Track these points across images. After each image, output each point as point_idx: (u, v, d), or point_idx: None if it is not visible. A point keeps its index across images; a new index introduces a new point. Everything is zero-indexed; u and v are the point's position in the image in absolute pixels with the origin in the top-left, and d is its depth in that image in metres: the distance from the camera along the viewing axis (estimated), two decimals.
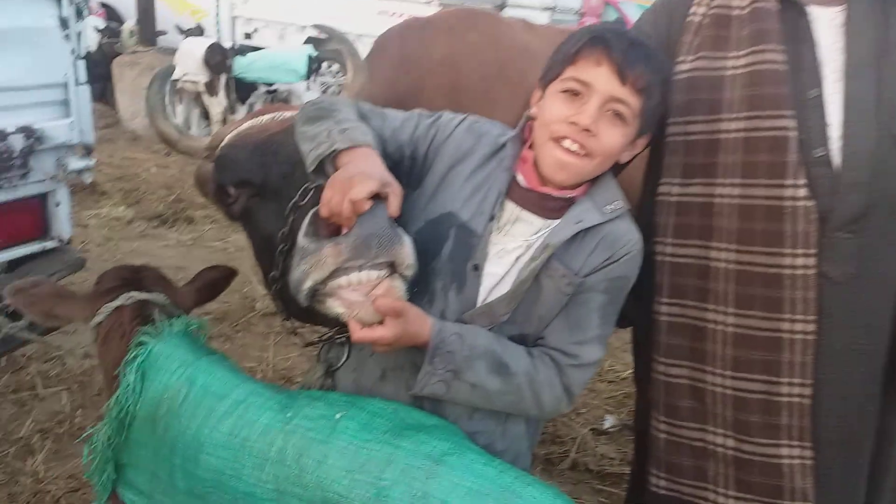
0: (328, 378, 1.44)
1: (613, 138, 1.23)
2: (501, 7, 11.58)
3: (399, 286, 1.17)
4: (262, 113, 1.59)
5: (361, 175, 1.12)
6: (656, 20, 1.49)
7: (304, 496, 1.19)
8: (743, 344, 1.35)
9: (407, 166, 1.37)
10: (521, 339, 1.30)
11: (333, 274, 1.12)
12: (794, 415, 1.33)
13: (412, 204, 1.33)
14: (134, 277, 1.60)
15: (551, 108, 1.24)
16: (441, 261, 1.30)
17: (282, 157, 1.46)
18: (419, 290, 1.30)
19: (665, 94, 1.29)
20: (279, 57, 7.26)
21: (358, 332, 1.15)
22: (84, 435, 1.50)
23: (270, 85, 7.27)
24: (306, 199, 1.37)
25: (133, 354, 1.44)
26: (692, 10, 1.41)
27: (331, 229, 1.16)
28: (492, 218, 1.28)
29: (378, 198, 1.12)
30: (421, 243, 1.23)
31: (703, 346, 1.40)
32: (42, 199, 2.30)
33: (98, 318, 1.52)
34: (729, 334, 1.36)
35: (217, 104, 7.01)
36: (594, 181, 1.30)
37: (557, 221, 1.28)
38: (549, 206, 1.29)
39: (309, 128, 1.27)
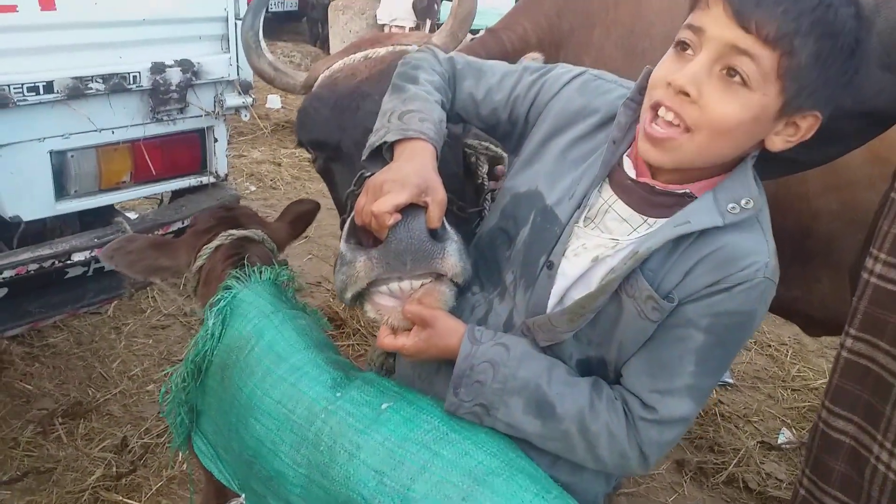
0: (389, 357, 1.29)
1: (725, 106, 0.87)
2: None
3: (445, 292, 1.03)
4: (356, 48, 1.45)
5: (393, 183, 0.97)
6: None
7: (330, 490, 1.06)
8: None
9: (505, 130, 1.16)
10: (601, 364, 1.04)
11: (372, 284, 1.02)
12: None
13: (510, 175, 1.15)
14: (229, 216, 1.57)
15: (658, 67, 0.93)
16: (515, 249, 1.09)
17: (359, 118, 1.33)
18: (493, 281, 1.12)
19: (834, 45, 0.85)
20: (488, 1, 7.10)
21: (382, 339, 1.04)
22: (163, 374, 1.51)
23: (476, 32, 7.17)
24: (360, 188, 1.16)
25: (218, 297, 1.41)
26: None
27: (371, 235, 1.02)
28: (581, 205, 1.02)
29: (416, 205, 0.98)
30: (501, 222, 1.09)
31: (883, 406, 1.03)
32: (200, 134, 2.36)
33: (199, 262, 1.49)
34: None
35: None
36: (727, 172, 0.96)
37: (662, 222, 0.97)
38: (655, 200, 0.98)
39: (386, 99, 1.14)
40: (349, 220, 1.05)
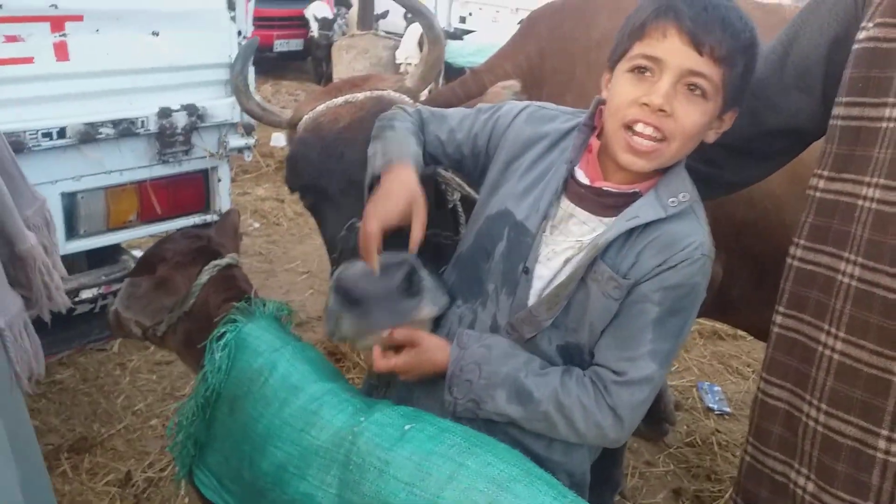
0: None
1: (693, 117, 1.07)
2: None
3: (425, 324, 1.22)
4: (338, 90, 1.55)
5: (382, 198, 1.18)
6: None
7: None
8: (845, 377, 1.09)
9: (470, 165, 1.33)
10: (577, 350, 1.20)
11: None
12: (887, 477, 1.04)
13: (480, 201, 1.31)
14: (205, 244, 1.60)
15: (620, 91, 1.10)
16: (494, 262, 1.24)
17: (343, 164, 1.44)
18: (475, 292, 1.27)
19: (751, 60, 1.10)
20: (488, 40, 7.27)
21: (377, 362, 1.17)
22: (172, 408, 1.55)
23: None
24: (350, 234, 1.35)
25: (222, 331, 1.46)
26: None
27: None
28: (546, 216, 1.19)
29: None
30: (478, 241, 1.26)
31: (809, 370, 1.14)
32: (204, 174, 2.45)
33: (192, 300, 1.54)
34: (834, 362, 1.10)
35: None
36: (664, 171, 1.15)
37: (615, 219, 1.15)
38: (606, 202, 1.16)
39: (370, 148, 1.32)
40: (336, 272, 1.20)
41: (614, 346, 1.15)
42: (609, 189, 1.15)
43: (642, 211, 1.12)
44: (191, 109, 2.28)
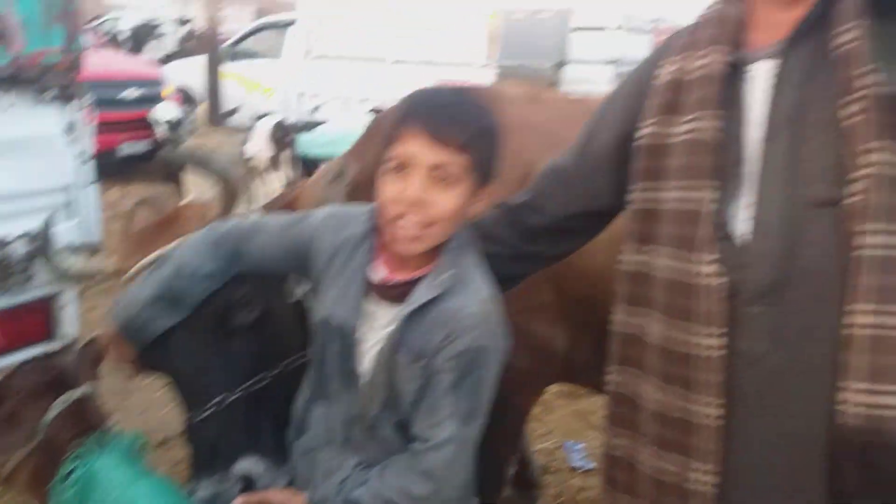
0: None
1: (449, 201, 1.24)
2: (561, 65, 11.64)
3: None
4: (150, 242, 1.63)
5: None
6: (629, 87, 1.45)
7: None
8: (662, 422, 1.27)
9: (300, 272, 1.47)
10: (405, 425, 1.32)
11: None
12: None
13: (315, 308, 1.42)
14: (58, 374, 1.59)
15: (384, 190, 1.25)
16: (330, 365, 1.36)
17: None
18: (319, 393, 1.40)
19: (491, 142, 1.29)
20: (340, 130, 7.47)
21: None
22: None
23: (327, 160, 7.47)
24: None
25: (70, 468, 1.42)
26: (656, 72, 1.34)
27: None
28: (358, 317, 1.32)
29: None
30: (318, 345, 1.37)
31: (638, 419, 1.32)
32: (48, 301, 2.36)
33: (39, 437, 1.50)
34: (653, 410, 1.29)
35: (277, 179, 7.25)
36: (441, 253, 1.30)
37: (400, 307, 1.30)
38: (395, 293, 1.30)
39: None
40: None
41: (421, 418, 1.29)
42: (396, 281, 1.30)
43: (418, 295, 1.27)
44: (30, 237, 2.22)
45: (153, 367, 1.53)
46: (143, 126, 9.62)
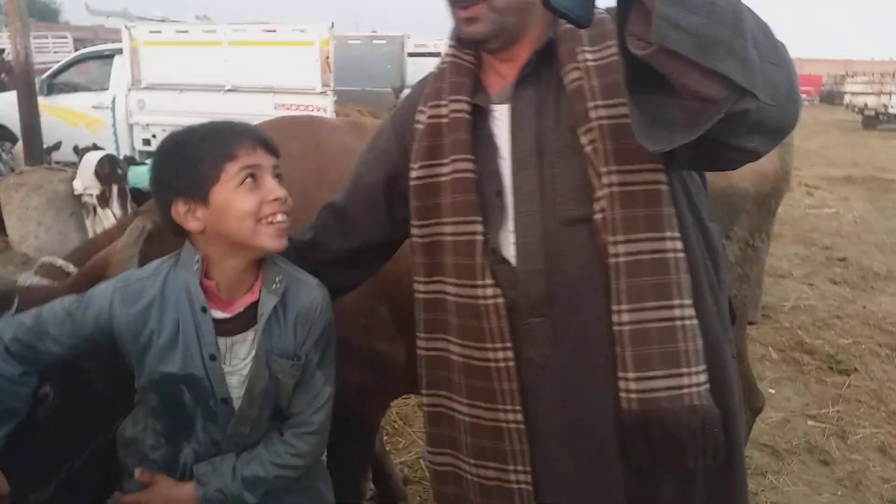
0: None
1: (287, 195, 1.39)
2: (401, 89, 11.97)
3: None
4: None
5: None
6: (391, 129, 1.58)
7: None
8: (476, 433, 1.41)
9: (103, 361, 1.50)
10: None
11: None
12: (523, 502, 1.37)
13: (141, 373, 1.41)
14: None
15: (243, 200, 1.33)
16: (188, 408, 1.41)
17: None
18: (180, 438, 1.44)
19: None
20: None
21: None
22: None
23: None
24: None
25: None
26: (417, 116, 1.49)
27: None
28: (213, 358, 1.37)
29: None
30: (164, 402, 1.42)
31: (456, 434, 1.45)
32: None
33: None
34: (467, 423, 1.42)
35: (109, 216, 6.93)
36: (260, 268, 1.42)
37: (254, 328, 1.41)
38: (245, 318, 1.40)
39: None
40: None
41: (300, 395, 1.46)
42: (238, 311, 1.39)
43: (264, 307, 1.39)
44: None
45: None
46: None
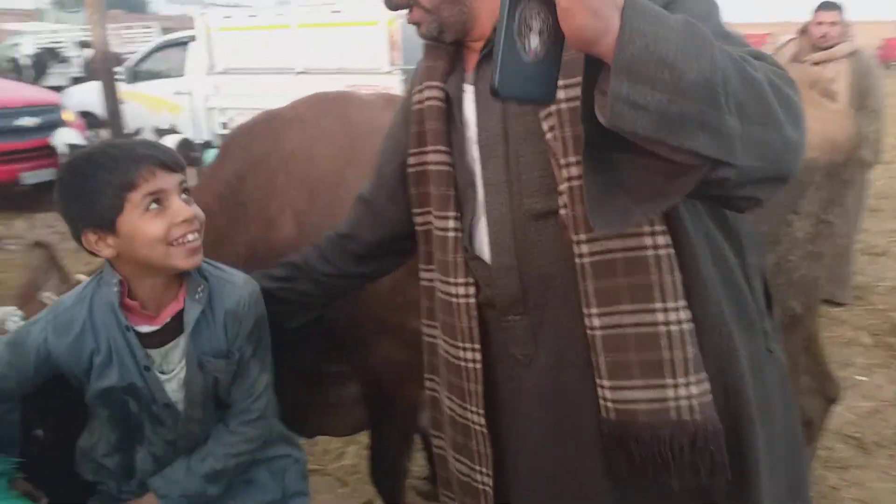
0: None
1: (198, 211, 1.40)
2: None
3: None
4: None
5: None
6: (400, 115, 1.52)
7: None
8: (454, 427, 1.37)
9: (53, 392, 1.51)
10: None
11: None
12: (481, 443, 1.33)
13: (91, 387, 1.46)
14: None
15: (150, 227, 1.33)
16: (135, 418, 1.47)
17: None
18: (131, 442, 1.50)
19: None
20: None
21: None
22: None
23: None
24: None
25: None
26: (413, 97, 1.41)
27: None
28: (147, 369, 1.42)
29: None
30: (110, 413, 1.47)
31: (443, 423, 1.42)
32: None
33: None
34: (447, 416, 1.38)
35: None
36: (184, 279, 1.45)
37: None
38: (174, 325, 1.43)
39: None
40: None
41: (238, 386, 1.50)
42: (165, 322, 1.42)
43: (190, 317, 1.42)
44: None
45: None
46: (45, 154, 9.33)
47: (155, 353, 1.43)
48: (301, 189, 2.20)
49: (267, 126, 2.34)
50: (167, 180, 1.34)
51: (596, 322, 1.13)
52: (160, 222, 1.33)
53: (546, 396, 1.25)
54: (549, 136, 1.14)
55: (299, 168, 2.23)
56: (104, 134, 9.82)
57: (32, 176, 9.39)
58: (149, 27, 18.06)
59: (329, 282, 1.64)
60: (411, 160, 1.39)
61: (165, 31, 15.95)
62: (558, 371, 1.23)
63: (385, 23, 8.43)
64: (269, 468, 1.63)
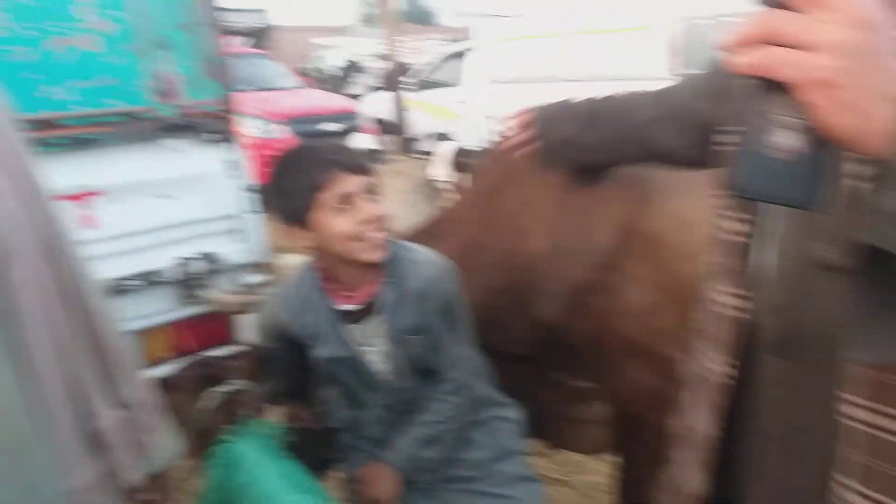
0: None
1: (382, 210, 1.54)
2: None
3: None
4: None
5: None
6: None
7: None
8: None
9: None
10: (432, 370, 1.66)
11: None
12: None
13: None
14: (207, 373, 1.86)
15: (337, 224, 1.50)
16: (352, 385, 1.68)
17: None
18: (353, 405, 1.72)
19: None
20: None
21: None
22: None
23: None
24: None
25: (217, 451, 1.67)
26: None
27: None
28: (350, 343, 1.61)
29: None
30: (331, 377, 1.72)
31: None
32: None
33: (195, 420, 1.75)
34: None
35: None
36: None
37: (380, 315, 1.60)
38: (370, 307, 1.59)
39: None
40: None
41: (440, 358, 1.63)
42: (365, 301, 1.59)
43: (384, 297, 1.57)
44: (208, 257, 2.60)
45: None
46: None
47: (357, 329, 1.61)
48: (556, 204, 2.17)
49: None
50: (352, 183, 1.49)
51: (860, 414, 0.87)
52: (346, 220, 1.49)
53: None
54: None
55: (555, 181, 2.21)
56: (392, 139, 10.74)
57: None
58: (434, 39, 19.23)
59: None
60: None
61: (452, 42, 16.97)
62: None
63: (662, 27, 8.10)
64: (484, 428, 1.75)
